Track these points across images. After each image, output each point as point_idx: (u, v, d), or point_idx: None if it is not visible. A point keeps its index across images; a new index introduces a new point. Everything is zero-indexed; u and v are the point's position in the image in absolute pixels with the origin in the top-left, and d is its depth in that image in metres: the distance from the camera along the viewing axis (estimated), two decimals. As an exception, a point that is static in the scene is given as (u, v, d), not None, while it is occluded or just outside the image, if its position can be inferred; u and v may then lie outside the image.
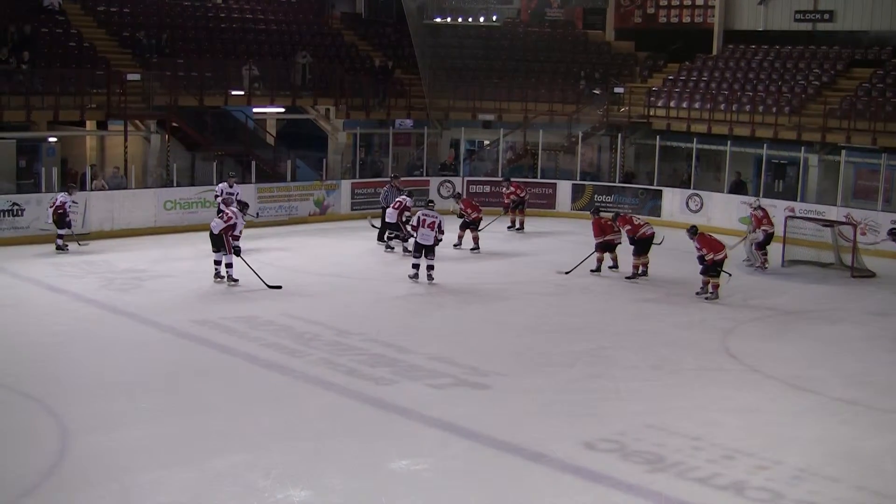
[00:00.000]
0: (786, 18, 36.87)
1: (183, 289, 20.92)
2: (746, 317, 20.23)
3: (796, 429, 13.83)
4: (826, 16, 35.88)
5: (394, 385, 15.06)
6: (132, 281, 21.45)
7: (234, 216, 21.20)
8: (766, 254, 24.71)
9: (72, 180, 27.67)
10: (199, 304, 19.64)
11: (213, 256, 21.43)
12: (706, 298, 21.44)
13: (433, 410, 13.93)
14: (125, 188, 27.74)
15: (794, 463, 12.34)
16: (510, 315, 19.90)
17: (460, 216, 26.66)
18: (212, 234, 21.29)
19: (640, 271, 23.44)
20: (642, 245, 23.43)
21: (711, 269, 21.47)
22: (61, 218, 24.09)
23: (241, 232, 21.28)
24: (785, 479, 11.91)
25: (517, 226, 29.69)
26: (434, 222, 22.27)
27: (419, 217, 22.41)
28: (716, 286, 21.51)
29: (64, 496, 11.00)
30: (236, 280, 21.12)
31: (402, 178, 29.57)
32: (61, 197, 24.26)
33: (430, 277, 22.26)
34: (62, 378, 15.06)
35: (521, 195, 29.60)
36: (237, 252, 21.11)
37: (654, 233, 23.52)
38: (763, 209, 25.18)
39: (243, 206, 22.36)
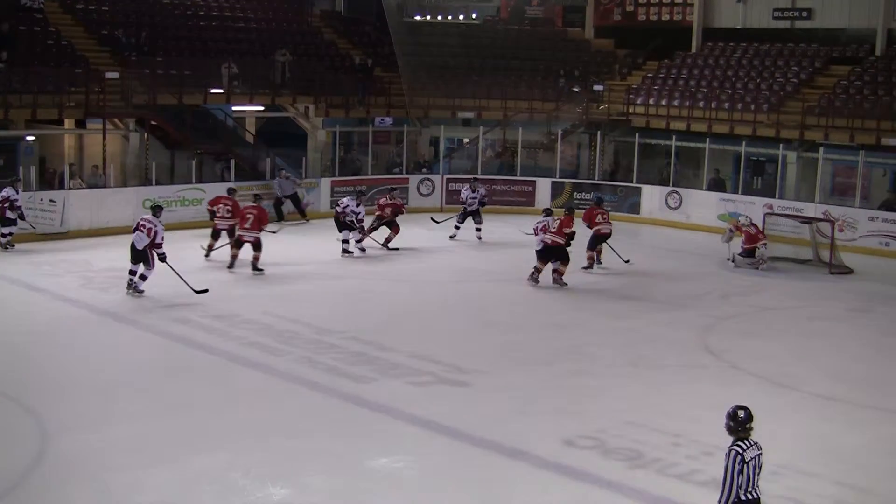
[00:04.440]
0: (764, 16, 36.96)
1: (162, 287, 20.78)
2: (725, 313, 20.30)
3: (776, 425, 13.82)
4: (804, 13, 35.97)
5: (374, 383, 15.06)
6: (111, 280, 21.32)
7: (153, 224, 19.80)
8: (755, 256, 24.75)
9: (48, 177, 27.54)
10: (178, 303, 19.54)
11: (130, 266, 20.09)
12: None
13: (413, 408, 13.94)
14: (104, 187, 27.64)
15: (774, 459, 12.31)
16: (490, 313, 19.93)
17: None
18: (134, 249, 19.95)
19: (589, 265, 23.80)
20: (595, 240, 23.98)
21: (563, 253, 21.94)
22: (3, 214, 24.00)
23: (162, 238, 19.80)
24: (764, 474, 11.85)
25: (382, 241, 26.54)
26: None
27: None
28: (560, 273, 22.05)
29: (43, 496, 10.97)
30: (142, 291, 19.98)
31: (382, 177, 29.53)
32: (6, 191, 24.09)
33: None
34: (41, 378, 14.99)
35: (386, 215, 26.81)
36: (162, 258, 19.89)
37: (608, 233, 23.94)
38: (755, 225, 25.17)
39: (156, 210, 20.43)
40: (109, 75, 28.73)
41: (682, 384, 15.64)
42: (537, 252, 22.18)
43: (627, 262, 24.40)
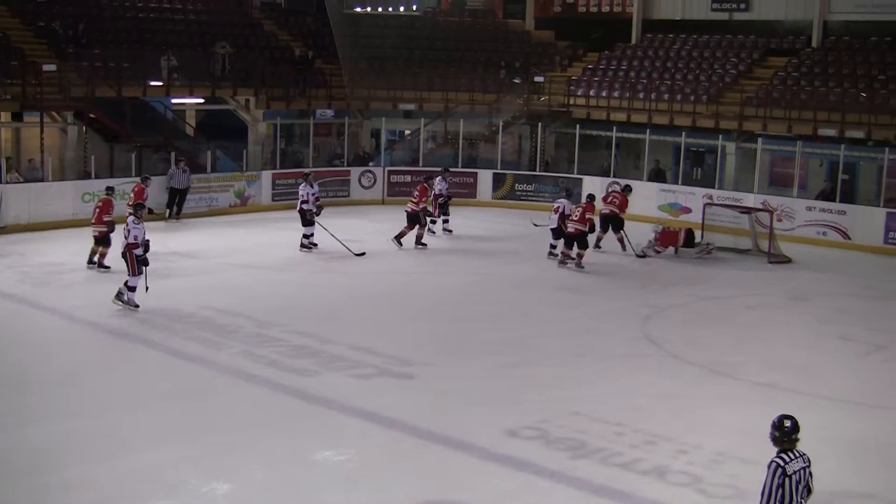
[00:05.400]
0: (703, 8, 37.27)
1: (102, 282, 20.63)
2: (666, 303, 20.45)
3: (716, 413, 14.02)
4: (742, 5, 36.31)
5: (316, 376, 15.04)
6: (50, 275, 21.14)
7: (127, 225, 18.70)
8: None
9: None
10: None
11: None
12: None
13: (356, 401, 13.93)
14: (42, 180, 27.34)
15: (714, 447, 12.51)
16: (434, 305, 19.95)
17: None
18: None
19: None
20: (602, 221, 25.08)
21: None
22: None
23: (136, 238, 18.47)
24: (705, 462, 12.08)
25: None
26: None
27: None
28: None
29: (-19, 494, 10.86)
30: (137, 305, 18.49)
31: (324, 169, 29.40)
32: None
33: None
34: (-22, 374, 14.83)
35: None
36: (142, 261, 18.57)
37: (608, 213, 25.19)
38: (666, 228, 25.72)
39: (134, 209, 19.83)
40: (46, 67, 28.43)
41: (624, 374, 15.75)
42: (553, 231, 24.05)
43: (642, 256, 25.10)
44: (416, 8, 41.27)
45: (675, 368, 16.15)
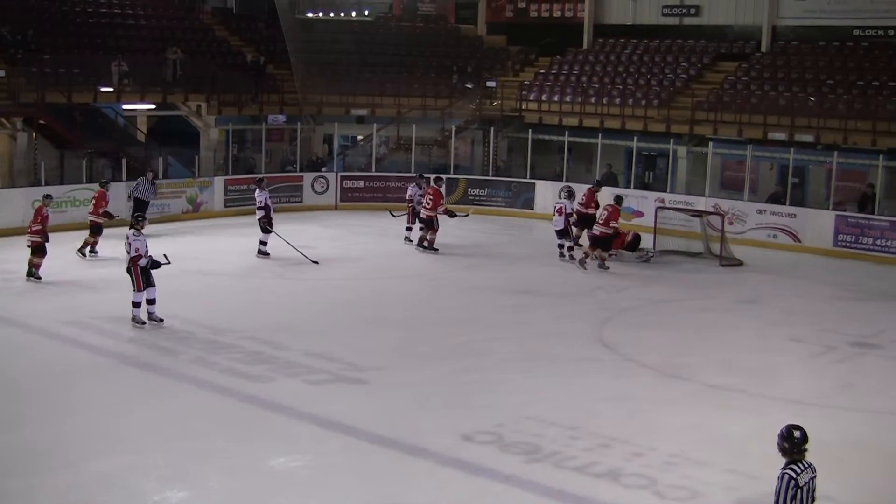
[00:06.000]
0: (654, 13, 37.53)
1: (53, 289, 20.50)
2: (619, 307, 20.55)
3: (669, 415, 14.11)
4: (692, 10, 36.60)
5: (271, 382, 14.99)
6: (1, 282, 20.94)
7: (127, 237, 17.86)
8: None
9: None
10: (69, 305, 19.23)
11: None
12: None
13: (311, 407, 13.92)
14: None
15: (668, 449, 12.59)
16: (389, 310, 19.93)
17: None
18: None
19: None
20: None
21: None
22: None
23: (136, 251, 17.64)
24: (659, 464, 12.15)
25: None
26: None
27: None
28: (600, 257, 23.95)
29: (-68, 505, 10.76)
30: (144, 322, 17.78)
31: (273, 175, 29.33)
32: None
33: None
34: (-72, 383, 14.67)
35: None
36: (152, 266, 17.79)
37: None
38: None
39: (134, 221, 18.34)
40: (-6, 73, 28.22)
41: (578, 377, 15.82)
42: (558, 232, 24.72)
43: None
44: (368, 13, 41.25)
45: (628, 371, 16.23)
